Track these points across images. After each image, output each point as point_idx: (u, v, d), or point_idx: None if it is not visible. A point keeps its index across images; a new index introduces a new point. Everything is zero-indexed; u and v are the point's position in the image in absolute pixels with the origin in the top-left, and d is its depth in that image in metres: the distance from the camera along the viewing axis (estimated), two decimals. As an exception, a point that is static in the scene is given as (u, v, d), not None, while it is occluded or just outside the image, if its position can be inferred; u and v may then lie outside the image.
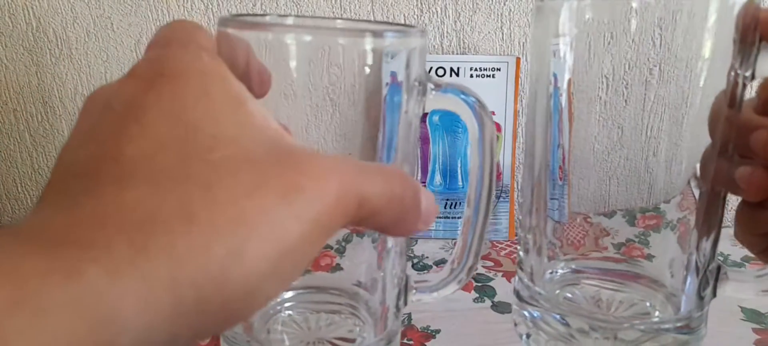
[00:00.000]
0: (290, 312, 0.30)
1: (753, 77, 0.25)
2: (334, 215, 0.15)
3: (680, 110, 0.28)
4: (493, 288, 0.43)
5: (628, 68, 0.27)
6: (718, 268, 0.29)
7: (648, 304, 0.31)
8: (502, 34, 0.54)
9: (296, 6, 0.53)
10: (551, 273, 0.32)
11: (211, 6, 0.52)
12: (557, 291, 0.32)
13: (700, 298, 0.29)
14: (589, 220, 0.33)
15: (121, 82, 0.16)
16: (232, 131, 0.15)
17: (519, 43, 0.55)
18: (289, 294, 0.30)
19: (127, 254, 0.12)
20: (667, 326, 0.29)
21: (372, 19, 0.54)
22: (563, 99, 0.29)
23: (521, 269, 0.32)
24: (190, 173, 0.14)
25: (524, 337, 0.31)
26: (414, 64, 0.24)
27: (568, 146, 0.30)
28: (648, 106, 0.28)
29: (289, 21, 0.23)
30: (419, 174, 0.50)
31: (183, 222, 0.13)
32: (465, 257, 0.29)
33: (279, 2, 0.52)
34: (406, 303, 0.29)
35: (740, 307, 0.40)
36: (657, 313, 0.31)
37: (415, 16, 0.54)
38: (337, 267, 0.30)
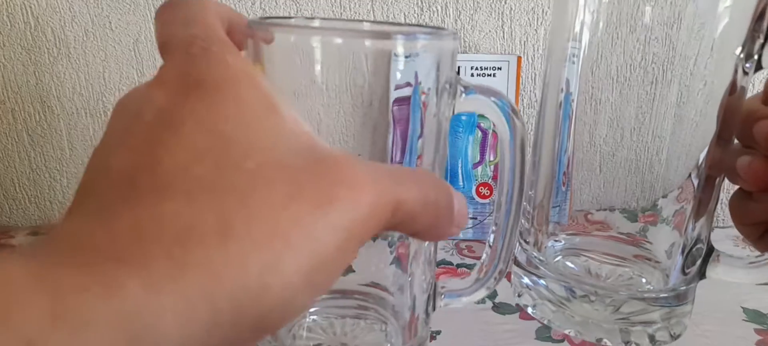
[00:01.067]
0: (315, 318, 0.30)
1: (760, 67, 0.25)
2: (368, 224, 0.15)
3: (684, 108, 0.28)
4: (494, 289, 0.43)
5: (636, 68, 0.28)
6: (710, 250, 0.29)
7: (644, 279, 0.31)
8: (503, 32, 0.54)
9: (295, 4, 0.53)
10: (554, 242, 0.33)
11: (210, 5, 0.52)
12: (558, 258, 0.32)
13: (685, 274, 0.29)
14: (589, 217, 0.34)
15: (150, 88, 0.16)
16: (265, 139, 0.15)
17: (520, 42, 0.55)
18: None
19: (166, 269, 0.12)
20: (654, 295, 0.29)
21: (372, 18, 0.53)
22: (575, 104, 0.29)
23: (523, 239, 0.32)
24: (226, 184, 0.14)
25: (516, 296, 0.31)
26: (445, 67, 0.23)
27: (572, 150, 0.30)
28: (654, 105, 0.28)
29: (316, 23, 0.23)
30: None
31: (220, 235, 0.13)
32: (495, 262, 0.28)
33: (278, 1, 0.52)
34: (434, 309, 0.28)
35: (742, 308, 0.40)
36: (649, 286, 0.31)
37: (416, 15, 0.53)
38: (350, 269, 0.30)
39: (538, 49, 0.55)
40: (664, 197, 0.31)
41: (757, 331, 0.38)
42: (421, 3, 0.53)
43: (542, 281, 0.30)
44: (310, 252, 0.14)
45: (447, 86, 0.24)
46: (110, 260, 0.12)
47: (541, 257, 0.31)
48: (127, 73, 0.54)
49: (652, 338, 0.29)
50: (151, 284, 0.12)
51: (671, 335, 0.30)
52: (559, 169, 0.30)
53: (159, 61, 0.17)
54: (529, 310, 0.31)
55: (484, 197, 0.52)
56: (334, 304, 0.30)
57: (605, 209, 0.33)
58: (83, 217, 0.13)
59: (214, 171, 0.14)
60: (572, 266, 0.32)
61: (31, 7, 0.52)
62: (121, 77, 0.54)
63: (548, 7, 0.53)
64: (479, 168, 0.51)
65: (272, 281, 0.13)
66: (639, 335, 0.29)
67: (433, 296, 0.28)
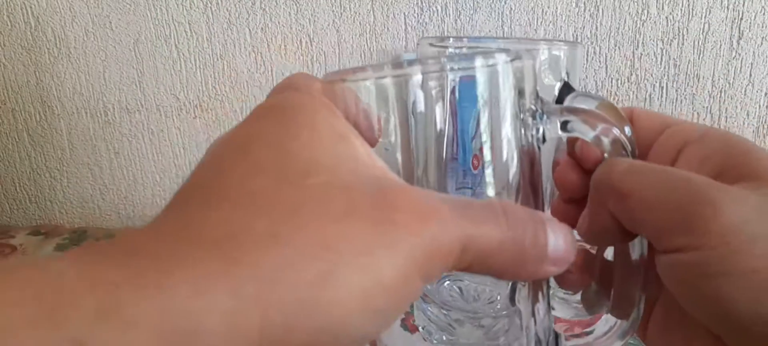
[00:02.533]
0: None
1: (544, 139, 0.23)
2: (431, 257, 0.14)
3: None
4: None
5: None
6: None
7: (498, 296, 0.30)
8: (504, 32, 0.54)
9: (296, 5, 0.53)
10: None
11: (210, 5, 0.52)
12: (446, 283, 0.31)
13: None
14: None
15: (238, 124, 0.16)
16: (330, 161, 0.15)
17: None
18: None
19: (215, 266, 0.12)
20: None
21: (372, 18, 0.53)
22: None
23: None
24: (280, 197, 0.13)
25: (421, 328, 0.29)
26: (527, 88, 0.20)
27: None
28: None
29: (387, 68, 0.20)
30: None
31: (268, 241, 0.12)
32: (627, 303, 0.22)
33: (278, 1, 0.52)
34: None
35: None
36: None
37: (416, 15, 0.53)
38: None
39: (538, 49, 0.55)
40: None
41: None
42: (421, 3, 0.53)
43: (429, 308, 0.29)
44: (365, 268, 0.13)
45: (531, 111, 0.21)
46: (159, 261, 0.12)
47: (428, 286, 0.29)
48: (127, 73, 0.54)
49: None
50: (199, 281, 0.12)
51: None
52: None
53: (159, 61, 0.17)
54: (420, 329, 0.29)
55: (475, 167, 0.52)
56: None
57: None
58: (140, 230, 0.13)
59: (271, 184, 0.14)
60: (456, 288, 0.30)
61: (31, 7, 0.52)
62: (121, 77, 0.54)
63: (548, 7, 0.53)
64: (474, 140, 0.51)
65: (325, 293, 0.12)
66: None
67: None
